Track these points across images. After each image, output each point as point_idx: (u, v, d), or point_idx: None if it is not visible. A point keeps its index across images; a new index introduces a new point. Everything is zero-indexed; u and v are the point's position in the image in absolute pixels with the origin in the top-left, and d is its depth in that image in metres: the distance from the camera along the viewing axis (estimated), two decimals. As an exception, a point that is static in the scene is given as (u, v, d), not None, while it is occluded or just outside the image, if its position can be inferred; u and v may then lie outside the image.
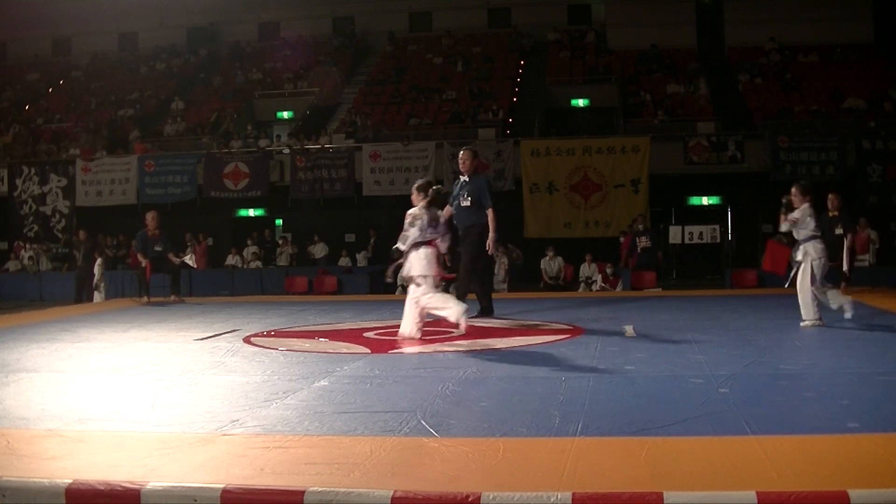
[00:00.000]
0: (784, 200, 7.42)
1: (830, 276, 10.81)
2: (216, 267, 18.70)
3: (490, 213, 7.88)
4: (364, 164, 18.88)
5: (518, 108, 21.78)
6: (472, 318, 7.87)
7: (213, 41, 28.27)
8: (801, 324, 7.22)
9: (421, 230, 6.65)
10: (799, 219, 7.27)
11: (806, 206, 7.29)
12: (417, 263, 6.68)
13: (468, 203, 7.82)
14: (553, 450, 3.42)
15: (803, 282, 7.28)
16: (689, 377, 4.97)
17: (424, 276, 6.67)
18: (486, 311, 8.27)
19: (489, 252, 8.05)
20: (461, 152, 8.07)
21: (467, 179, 8.00)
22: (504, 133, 19.88)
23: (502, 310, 9.21)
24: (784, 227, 7.46)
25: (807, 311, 7.23)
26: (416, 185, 6.90)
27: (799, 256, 7.35)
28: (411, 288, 6.80)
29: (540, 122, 21.00)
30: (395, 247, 6.77)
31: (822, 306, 7.32)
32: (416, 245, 6.69)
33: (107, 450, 3.61)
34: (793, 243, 7.56)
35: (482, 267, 8.32)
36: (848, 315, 7.25)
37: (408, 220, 6.73)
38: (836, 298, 7.37)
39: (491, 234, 7.88)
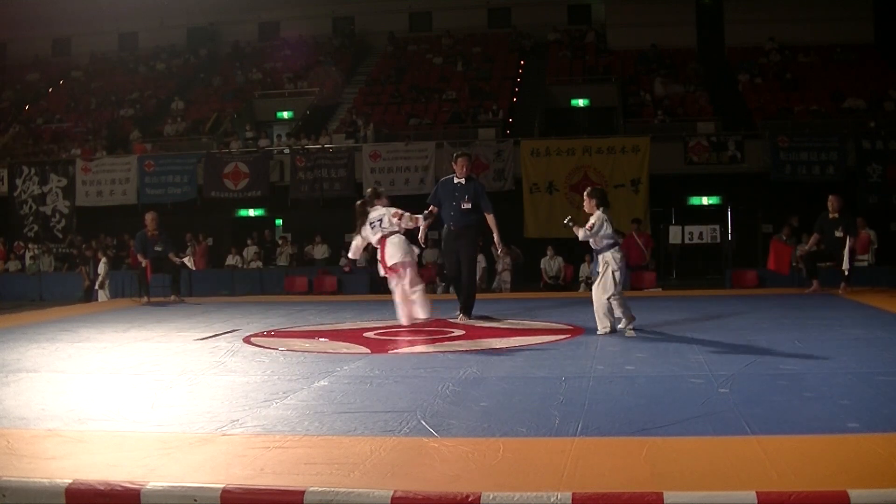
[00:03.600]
0: (566, 221, 6.97)
1: (831, 276, 10.83)
2: (216, 267, 18.66)
3: (492, 217, 8.42)
4: (364, 164, 18.87)
5: (518, 108, 21.76)
6: (456, 316, 8.40)
7: (213, 41, 28.26)
8: (598, 332, 6.97)
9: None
10: (595, 224, 6.84)
11: (599, 211, 6.87)
12: (398, 251, 7.61)
13: (469, 206, 8.30)
14: (553, 450, 3.42)
15: (598, 291, 6.94)
16: (689, 377, 4.97)
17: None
18: (467, 310, 8.52)
19: (500, 252, 8.90)
20: (458, 157, 8.50)
21: (463, 182, 8.36)
22: (504, 133, 19.86)
23: (503, 310, 9.22)
24: (581, 237, 6.94)
25: (601, 321, 6.94)
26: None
27: (599, 267, 6.96)
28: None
29: (540, 122, 20.97)
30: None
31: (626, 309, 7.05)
32: (389, 235, 7.68)
33: (107, 450, 3.61)
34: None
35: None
36: (621, 326, 6.99)
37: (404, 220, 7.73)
38: (619, 307, 7.02)
39: (496, 236, 8.50)
